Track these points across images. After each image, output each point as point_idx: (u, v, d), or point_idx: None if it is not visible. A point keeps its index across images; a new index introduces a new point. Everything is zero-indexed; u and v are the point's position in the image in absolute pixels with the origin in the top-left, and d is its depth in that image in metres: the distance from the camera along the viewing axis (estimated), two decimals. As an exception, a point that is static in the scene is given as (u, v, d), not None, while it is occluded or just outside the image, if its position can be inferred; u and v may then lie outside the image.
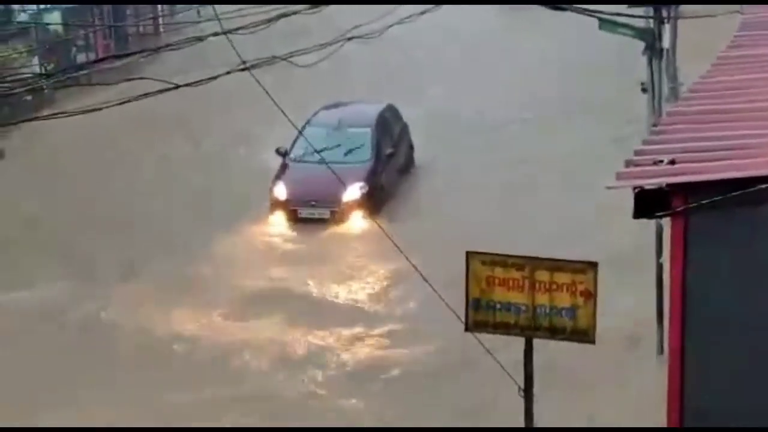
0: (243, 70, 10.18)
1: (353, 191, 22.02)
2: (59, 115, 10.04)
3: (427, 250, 17.04)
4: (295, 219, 22.09)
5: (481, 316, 10.47)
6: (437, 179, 24.32)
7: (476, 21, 35.67)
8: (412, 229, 20.00)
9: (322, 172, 21.22)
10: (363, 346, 17.82)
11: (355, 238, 21.65)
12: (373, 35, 13.40)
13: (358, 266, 20.48)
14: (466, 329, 10.59)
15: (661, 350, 15.45)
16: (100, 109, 9.64)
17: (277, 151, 23.39)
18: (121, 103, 10.02)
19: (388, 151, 23.39)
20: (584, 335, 10.31)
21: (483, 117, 27.53)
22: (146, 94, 9.94)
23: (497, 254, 10.45)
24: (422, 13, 13.91)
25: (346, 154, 22.61)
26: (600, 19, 16.70)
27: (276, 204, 22.35)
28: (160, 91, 9.77)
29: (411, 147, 24.99)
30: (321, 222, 21.95)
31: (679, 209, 8.47)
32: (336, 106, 24.88)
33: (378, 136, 23.36)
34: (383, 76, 30.88)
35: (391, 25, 14.17)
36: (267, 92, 10.75)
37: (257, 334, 18.04)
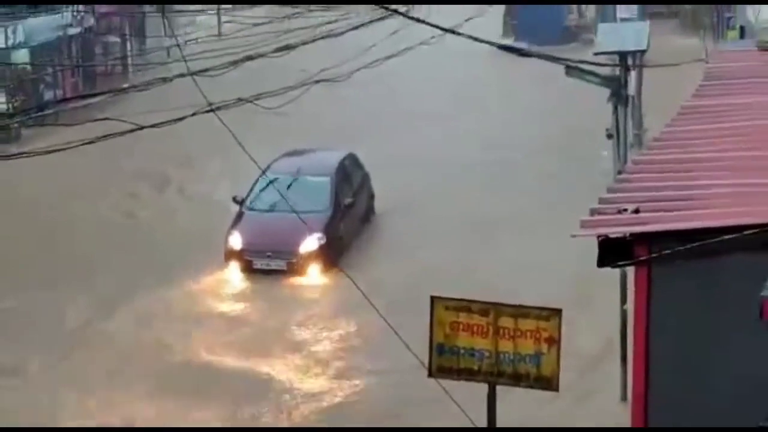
0: (208, 111, 10.16)
1: (311, 242, 21.34)
2: (21, 155, 9.97)
3: (388, 298, 16.76)
4: (250, 270, 21.30)
5: (444, 362, 10.44)
6: (398, 227, 23.73)
7: (459, 67, 35.40)
8: (372, 279, 18.88)
9: (279, 222, 21.35)
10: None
11: (312, 293, 20.75)
12: (341, 78, 13.41)
13: (309, 331, 19.27)
14: (430, 375, 10.55)
15: (624, 396, 15.44)
16: (63, 149, 9.59)
17: (234, 200, 22.78)
18: (85, 144, 9.98)
19: (348, 200, 22.85)
20: (548, 383, 10.29)
21: (453, 162, 27.38)
22: (110, 135, 9.90)
23: (462, 299, 10.44)
24: (388, 57, 13.96)
25: (302, 203, 21.65)
26: (567, 66, 16.81)
27: (231, 254, 21.55)
28: (123, 132, 9.73)
29: (371, 196, 24.44)
30: (278, 273, 21.19)
31: (642, 258, 8.50)
32: (296, 153, 24.39)
33: (337, 185, 22.84)
34: (349, 122, 30.64)
35: (357, 70, 14.20)
36: (233, 134, 10.74)
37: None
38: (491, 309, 10.33)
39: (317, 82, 12.55)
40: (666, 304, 8.79)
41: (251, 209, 22.32)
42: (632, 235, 8.52)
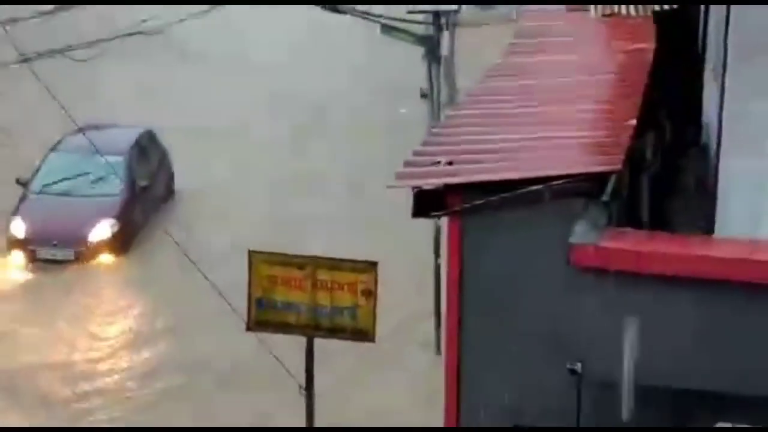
0: (23, 62, 9.87)
1: (102, 229, 20.01)
2: None
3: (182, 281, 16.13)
4: (33, 260, 19.61)
5: (262, 315, 10.48)
6: (199, 206, 22.08)
7: (274, 26, 33.98)
8: (163, 262, 18.41)
9: (67, 207, 20.01)
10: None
11: (100, 287, 19.44)
12: (154, 32, 13.18)
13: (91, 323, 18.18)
14: (248, 328, 10.58)
15: (438, 350, 15.78)
16: None
17: (17, 181, 20.80)
18: None
19: (143, 183, 21.25)
20: (364, 335, 10.46)
21: (261, 130, 25.52)
22: None
23: (279, 253, 10.49)
24: (208, 10, 13.78)
25: (94, 186, 20.55)
26: (382, 24, 16.96)
27: (13, 243, 19.78)
28: None
29: (171, 175, 22.81)
30: (64, 263, 19.58)
31: (454, 209, 8.68)
32: (89, 128, 21.21)
33: (132, 165, 21.16)
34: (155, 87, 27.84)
35: (174, 22, 13.96)
36: (46, 87, 10.47)
37: None
38: (309, 262, 10.41)
39: (130, 35, 12.28)
40: (478, 255, 9.00)
41: (36, 192, 20.56)
42: (445, 186, 8.68)
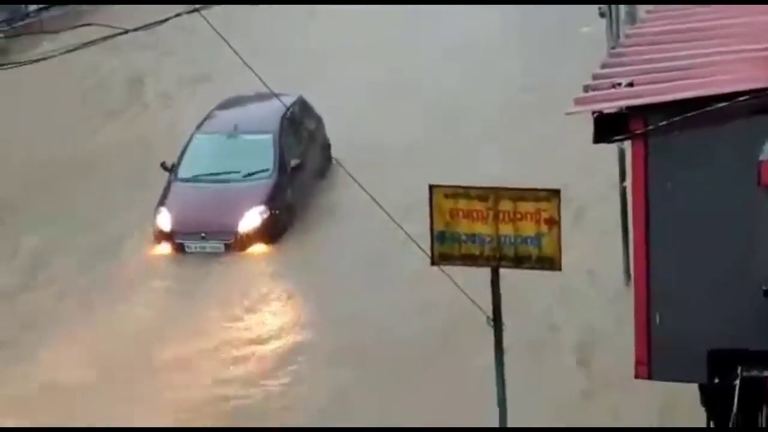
0: (193, 12, 9.98)
1: (252, 218, 18.38)
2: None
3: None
4: (182, 252, 18.17)
5: (446, 249, 10.43)
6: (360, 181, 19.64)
7: None
8: (330, 252, 17.46)
9: (213, 195, 18.74)
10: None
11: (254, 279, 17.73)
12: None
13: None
14: (432, 263, 10.56)
15: (628, 276, 15.49)
16: (46, 58, 9.46)
17: (163, 166, 19.23)
18: (67, 52, 9.81)
19: (295, 161, 19.26)
20: (550, 263, 10.29)
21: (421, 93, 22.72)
22: (92, 42, 9.74)
23: (460, 186, 10.40)
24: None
25: (242, 169, 19.05)
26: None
27: (160, 236, 18.36)
28: (106, 38, 9.57)
29: (327, 145, 20.64)
30: (214, 256, 18.11)
31: (637, 132, 8.45)
32: (233, 103, 20.71)
33: (282, 143, 19.31)
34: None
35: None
36: (219, 34, 10.54)
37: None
38: (490, 193, 10.29)
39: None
40: (663, 178, 8.77)
41: (182, 179, 19.07)
42: (627, 108, 8.45)
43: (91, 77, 24.95)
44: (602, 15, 17.72)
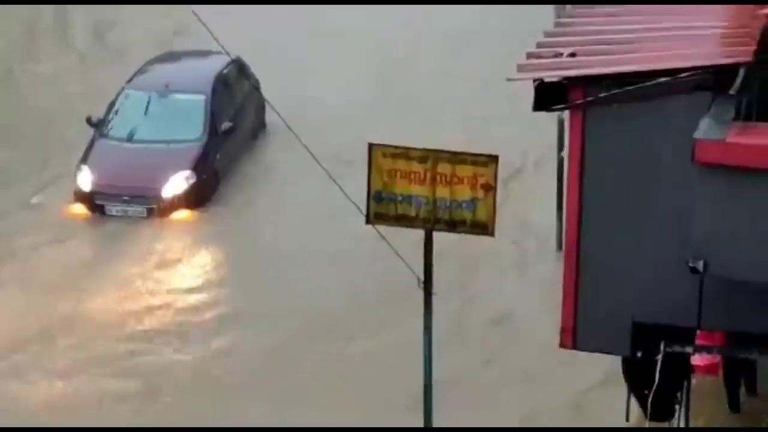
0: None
1: (177, 183, 17.60)
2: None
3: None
4: (102, 215, 17.40)
5: (382, 209, 10.45)
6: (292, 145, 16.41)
7: None
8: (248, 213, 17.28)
9: (138, 156, 17.88)
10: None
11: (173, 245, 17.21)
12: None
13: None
14: (368, 222, 10.58)
15: (560, 245, 15.65)
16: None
17: (88, 121, 18.25)
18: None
19: (226, 125, 18.36)
20: (484, 228, 10.36)
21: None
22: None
23: (399, 146, 10.41)
24: None
25: (170, 130, 18.14)
26: None
27: (80, 196, 17.52)
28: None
29: (262, 107, 19.19)
30: (134, 219, 17.38)
31: (576, 103, 8.52)
32: (168, 58, 19.98)
33: (214, 105, 18.41)
34: None
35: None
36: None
37: None
38: (429, 155, 10.30)
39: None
40: (600, 150, 8.85)
41: (106, 137, 18.15)
42: (566, 79, 8.51)
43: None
44: None
